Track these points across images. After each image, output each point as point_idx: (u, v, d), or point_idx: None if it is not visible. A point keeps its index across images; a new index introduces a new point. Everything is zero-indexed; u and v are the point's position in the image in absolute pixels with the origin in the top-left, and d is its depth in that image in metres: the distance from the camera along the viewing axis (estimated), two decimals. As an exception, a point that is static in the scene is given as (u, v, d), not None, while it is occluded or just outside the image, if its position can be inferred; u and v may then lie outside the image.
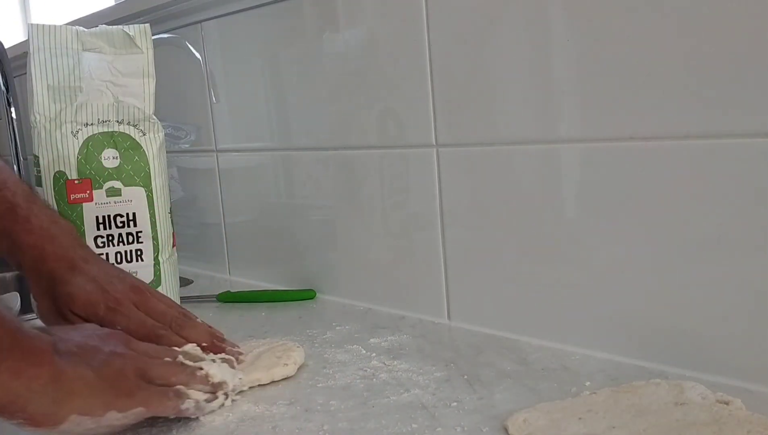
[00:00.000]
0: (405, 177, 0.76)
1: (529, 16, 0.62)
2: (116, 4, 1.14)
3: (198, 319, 0.65)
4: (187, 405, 0.52)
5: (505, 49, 0.64)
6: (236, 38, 0.95)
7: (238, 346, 0.64)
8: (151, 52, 0.80)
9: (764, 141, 0.50)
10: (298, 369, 0.62)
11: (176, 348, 0.59)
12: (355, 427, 0.50)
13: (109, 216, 0.76)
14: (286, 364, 0.61)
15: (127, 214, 0.77)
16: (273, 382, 0.60)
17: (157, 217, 0.79)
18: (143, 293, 0.63)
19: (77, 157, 0.75)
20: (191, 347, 0.60)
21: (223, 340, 0.64)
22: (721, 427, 0.44)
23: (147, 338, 0.58)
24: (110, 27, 0.80)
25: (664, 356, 0.56)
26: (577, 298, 0.62)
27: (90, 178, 0.76)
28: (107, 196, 0.76)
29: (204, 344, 0.61)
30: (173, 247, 0.82)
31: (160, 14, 1.01)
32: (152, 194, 0.78)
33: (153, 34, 0.80)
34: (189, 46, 0.99)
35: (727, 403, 0.47)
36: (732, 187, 0.51)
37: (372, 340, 0.69)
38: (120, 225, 0.77)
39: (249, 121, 0.96)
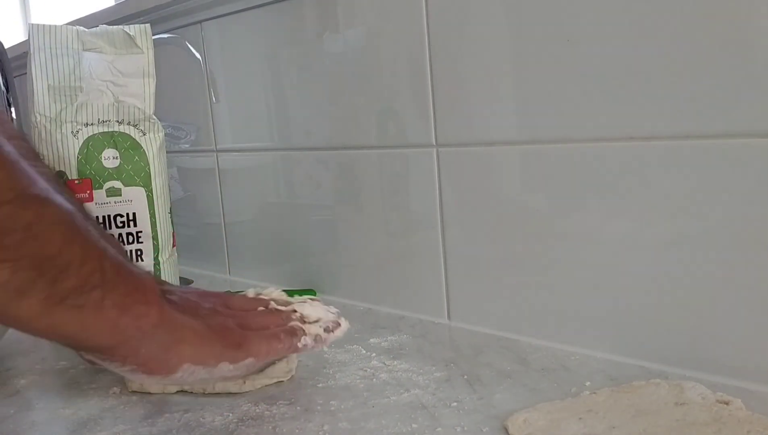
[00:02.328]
0: (405, 177, 0.76)
1: (529, 15, 0.62)
2: (116, 4, 1.14)
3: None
4: (305, 341, 0.50)
5: (505, 49, 0.64)
6: (236, 38, 0.95)
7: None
8: (151, 52, 0.80)
9: (764, 141, 0.50)
10: (298, 369, 0.62)
11: (263, 296, 0.57)
12: (355, 427, 0.50)
13: (109, 216, 0.76)
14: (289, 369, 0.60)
15: (127, 214, 0.77)
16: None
17: (157, 217, 0.79)
18: None
19: (77, 157, 0.75)
20: (278, 293, 0.58)
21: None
22: (721, 427, 0.44)
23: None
24: (111, 27, 0.80)
25: (664, 356, 0.56)
26: (577, 298, 0.62)
27: (90, 178, 0.76)
28: (107, 196, 0.76)
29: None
30: (173, 247, 0.82)
31: (160, 14, 1.01)
32: (152, 194, 0.78)
33: (153, 34, 0.80)
34: (189, 46, 0.99)
35: (727, 403, 0.47)
36: (732, 187, 0.51)
37: (372, 340, 0.69)
38: (120, 225, 0.77)
39: (249, 121, 0.96)
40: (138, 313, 0.42)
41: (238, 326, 0.49)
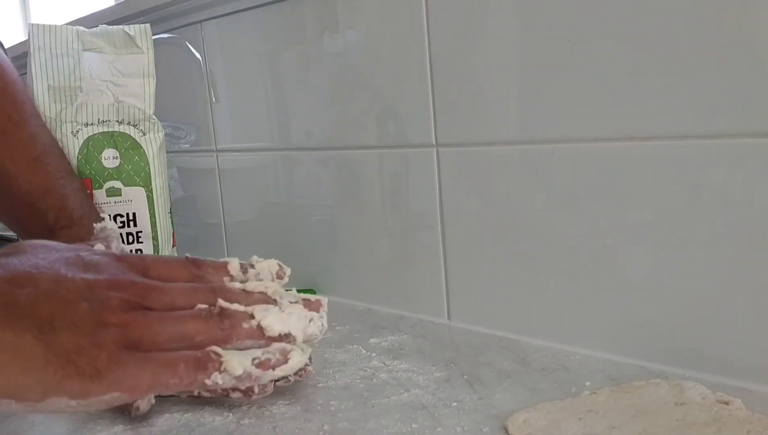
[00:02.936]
0: (405, 177, 0.76)
1: (529, 15, 0.62)
2: (116, 4, 1.14)
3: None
4: (217, 379, 0.36)
5: (505, 49, 0.64)
6: (236, 38, 0.95)
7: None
8: (151, 52, 0.80)
9: (764, 141, 0.50)
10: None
11: (253, 266, 0.42)
12: (355, 427, 0.50)
13: (109, 216, 0.76)
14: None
15: (127, 214, 0.77)
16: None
17: (157, 217, 0.79)
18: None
19: (77, 157, 0.75)
20: (272, 268, 0.41)
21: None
22: (721, 427, 0.44)
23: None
24: (111, 27, 0.80)
25: (664, 356, 0.56)
26: (577, 299, 0.62)
27: (90, 178, 0.76)
28: (107, 196, 0.76)
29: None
30: (173, 247, 0.82)
31: (160, 14, 1.01)
32: (152, 194, 0.78)
33: (153, 34, 0.80)
34: (189, 46, 0.99)
35: (727, 403, 0.47)
36: (732, 187, 0.51)
37: (372, 340, 0.69)
38: (120, 225, 0.77)
39: (249, 121, 0.96)
40: None
41: (120, 340, 0.37)
